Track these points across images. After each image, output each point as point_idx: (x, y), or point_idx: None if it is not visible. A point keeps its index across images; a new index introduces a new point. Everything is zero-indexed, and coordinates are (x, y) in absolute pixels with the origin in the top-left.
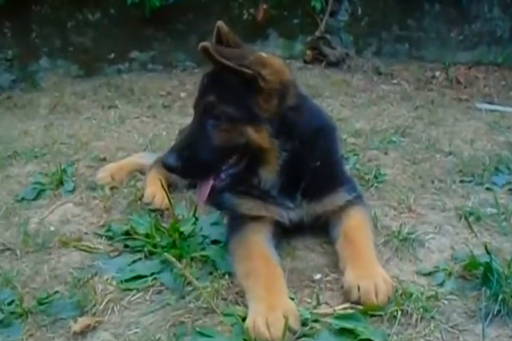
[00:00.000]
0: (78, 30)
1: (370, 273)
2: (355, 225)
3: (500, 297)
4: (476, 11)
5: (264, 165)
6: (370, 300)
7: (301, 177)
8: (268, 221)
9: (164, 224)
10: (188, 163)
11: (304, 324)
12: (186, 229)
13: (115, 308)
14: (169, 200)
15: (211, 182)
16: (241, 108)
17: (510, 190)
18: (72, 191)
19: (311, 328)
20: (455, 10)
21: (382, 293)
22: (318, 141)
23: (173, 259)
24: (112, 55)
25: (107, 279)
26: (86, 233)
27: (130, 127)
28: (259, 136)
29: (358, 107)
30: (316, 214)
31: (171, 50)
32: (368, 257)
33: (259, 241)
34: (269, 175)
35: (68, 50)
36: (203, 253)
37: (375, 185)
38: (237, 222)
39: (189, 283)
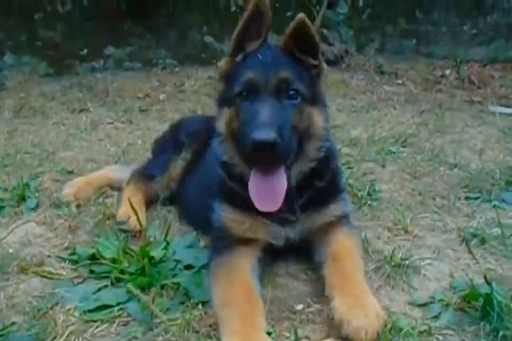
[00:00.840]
0: (47, 23)
1: (362, 304)
2: (345, 249)
3: (501, 333)
4: (492, 1)
5: (304, 157)
6: (359, 338)
7: (313, 181)
8: (258, 245)
9: (134, 247)
10: (283, 140)
11: None
12: (157, 253)
13: None
14: (140, 223)
15: (284, 175)
16: (311, 88)
17: None
18: (35, 208)
19: None
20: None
21: (372, 330)
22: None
23: (137, 292)
24: (85, 52)
25: (69, 309)
26: (49, 256)
27: (102, 135)
28: (320, 120)
29: (357, 112)
30: (311, 228)
31: (150, 46)
32: (358, 285)
33: (244, 267)
34: (295, 172)
35: (36, 46)
36: (175, 280)
37: (369, 203)
38: (224, 244)
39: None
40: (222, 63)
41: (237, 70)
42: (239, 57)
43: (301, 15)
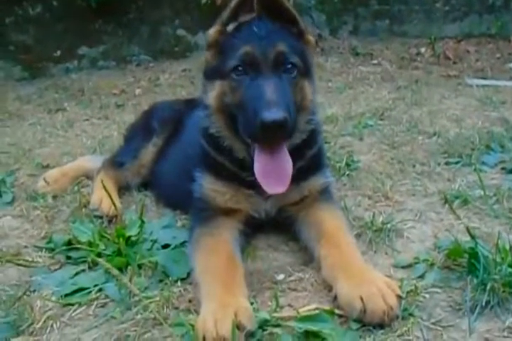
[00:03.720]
0: (18, 27)
1: (369, 279)
2: (335, 229)
3: (488, 286)
4: None
5: (297, 130)
6: (378, 307)
7: (302, 153)
8: (240, 217)
9: (110, 231)
10: (291, 117)
11: (262, 327)
12: (133, 232)
13: (55, 325)
14: (115, 206)
15: (288, 154)
16: (303, 60)
17: (503, 168)
18: (11, 202)
19: (271, 334)
20: None
21: (389, 296)
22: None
23: (115, 270)
24: (58, 53)
25: (46, 295)
26: (25, 246)
27: (79, 131)
28: (310, 92)
29: (332, 92)
30: (290, 200)
31: (123, 43)
32: (360, 262)
33: (226, 236)
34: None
35: (8, 50)
36: (152, 259)
37: (348, 173)
38: (206, 215)
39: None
40: (213, 32)
41: (231, 42)
42: (230, 27)
43: None
